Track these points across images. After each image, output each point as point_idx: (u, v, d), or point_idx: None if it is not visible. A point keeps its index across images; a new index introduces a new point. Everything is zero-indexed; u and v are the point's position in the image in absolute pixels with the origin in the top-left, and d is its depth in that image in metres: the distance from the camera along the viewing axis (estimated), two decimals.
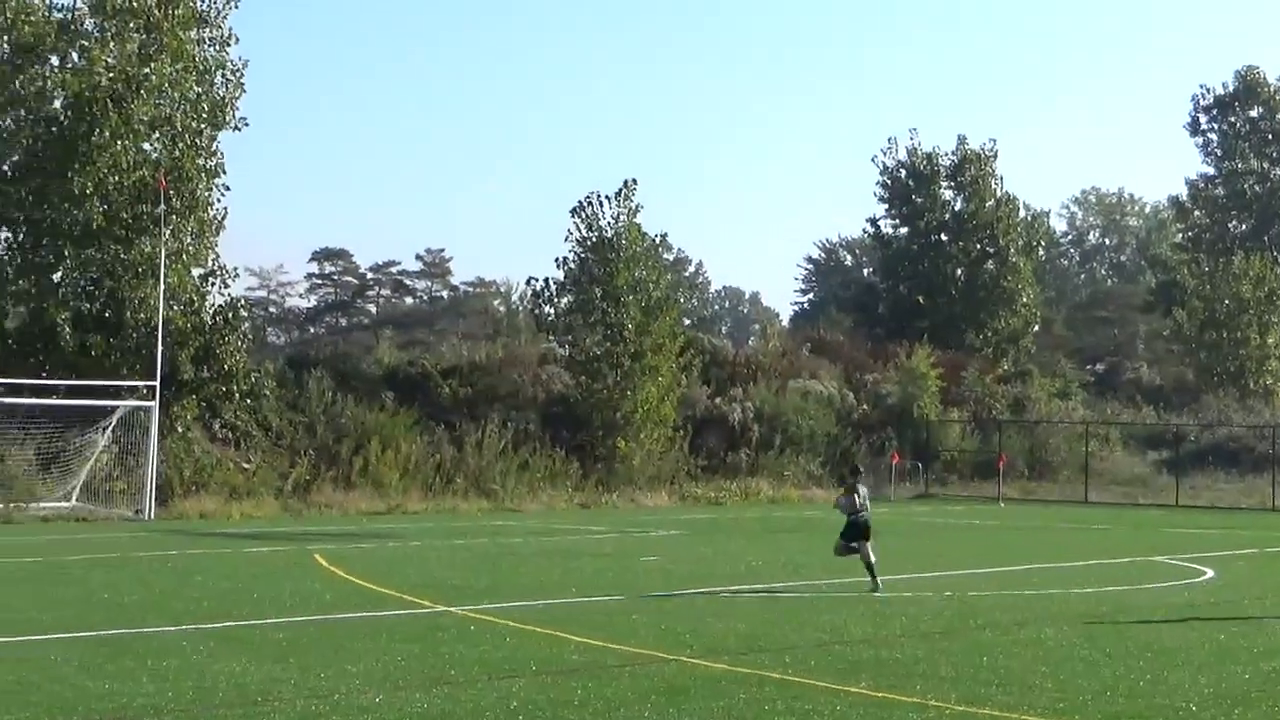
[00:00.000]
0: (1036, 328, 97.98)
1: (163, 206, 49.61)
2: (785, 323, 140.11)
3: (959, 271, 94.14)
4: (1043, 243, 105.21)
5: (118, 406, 48.33)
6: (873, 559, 26.88)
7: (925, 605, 24.54)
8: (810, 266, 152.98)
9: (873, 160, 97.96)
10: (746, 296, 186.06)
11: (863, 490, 27.72)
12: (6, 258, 52.25)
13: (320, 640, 19.58)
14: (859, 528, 27.14)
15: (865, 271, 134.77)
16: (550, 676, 16.88)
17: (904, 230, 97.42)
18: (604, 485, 59.00)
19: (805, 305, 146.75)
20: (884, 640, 20.25)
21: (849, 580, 27.81)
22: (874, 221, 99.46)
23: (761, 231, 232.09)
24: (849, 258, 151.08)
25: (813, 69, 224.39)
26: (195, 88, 52.73)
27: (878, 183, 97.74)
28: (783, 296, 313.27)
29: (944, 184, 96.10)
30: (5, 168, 51.63)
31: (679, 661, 18.03)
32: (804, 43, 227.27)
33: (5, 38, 51.16)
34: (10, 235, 52.48)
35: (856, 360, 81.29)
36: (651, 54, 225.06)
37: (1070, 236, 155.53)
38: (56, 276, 51.70)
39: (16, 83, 50.90)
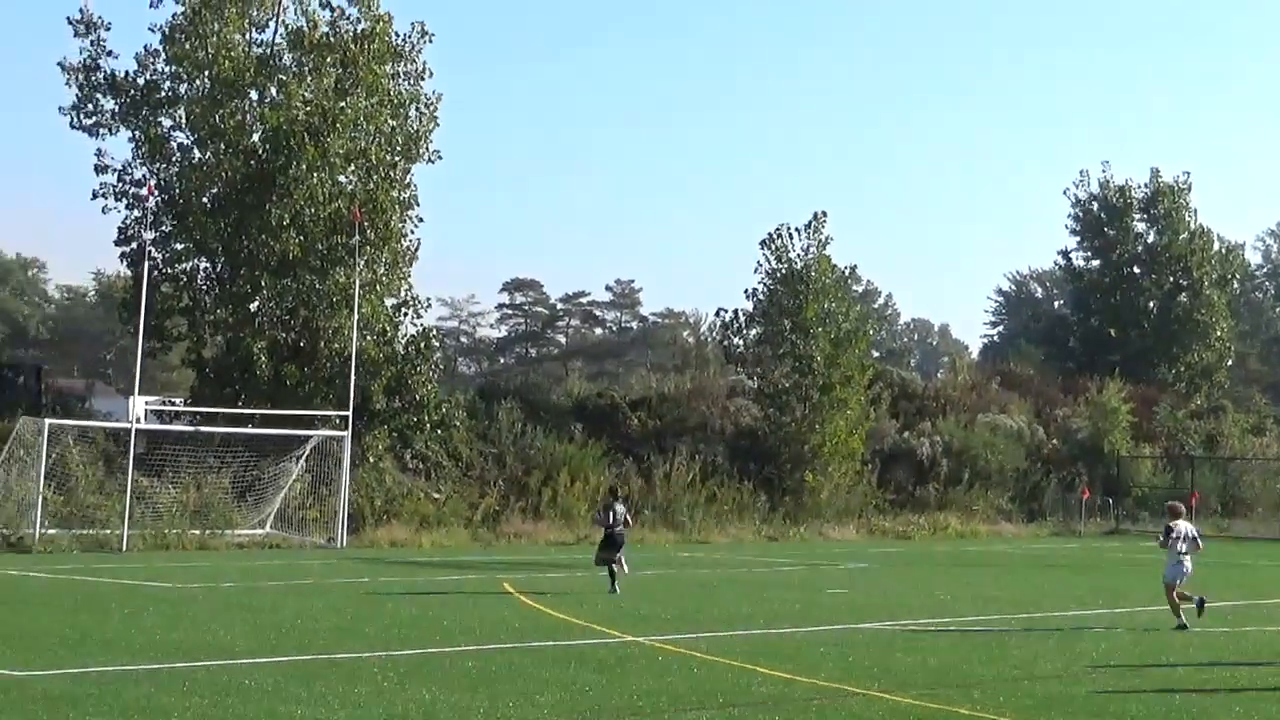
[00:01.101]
0: (1230, 362, 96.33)
1: (357, 238, 50.23)
2: (974, 355, 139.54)
3: (1151, 304, 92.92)
4: (1237, 276, 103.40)
5: (311, 436, 48.95)
6: (625, 571, 32.06)
7: (1116, 641, 24.26)
8: (1000, 299, 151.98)
9: (1064, 193, 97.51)
10: (936, 329, 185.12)
11: (619, 509, 32.35)
12: (205, 288, 53.29)
13: (509, 669, 19.70)
14: (613, 541, 31.73)
15: (1056, 304, 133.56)
16: (737, 709, 16.87)
17: (1096, 262, 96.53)
18: (791, 518, 58.87)
19: (995, 338, 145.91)
20: (1074, 676, 20.06)
21: (1038, 615, 27.57)
22: (1065, 254, 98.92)
23: (951, 263, 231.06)
24: (1040, 290, 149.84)
25: (1004, 101, 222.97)
26: (390, 121, 53.37)
27: (1069, 215, 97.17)
28: (972, 329, 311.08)
29: (1136, 216, 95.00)
30: (205, 199, 52.57)
31: (866, 695, 17.94)
32: (995, 75, 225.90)
33: (206, 73, 52.17)
34: (209, 266, 53.50)
35: (1047, 394, 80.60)
36: (842, 86, 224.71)
37: (1266, 269, 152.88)
38: (253, 306, 52.47)
39: (217, 117, 51.91)
